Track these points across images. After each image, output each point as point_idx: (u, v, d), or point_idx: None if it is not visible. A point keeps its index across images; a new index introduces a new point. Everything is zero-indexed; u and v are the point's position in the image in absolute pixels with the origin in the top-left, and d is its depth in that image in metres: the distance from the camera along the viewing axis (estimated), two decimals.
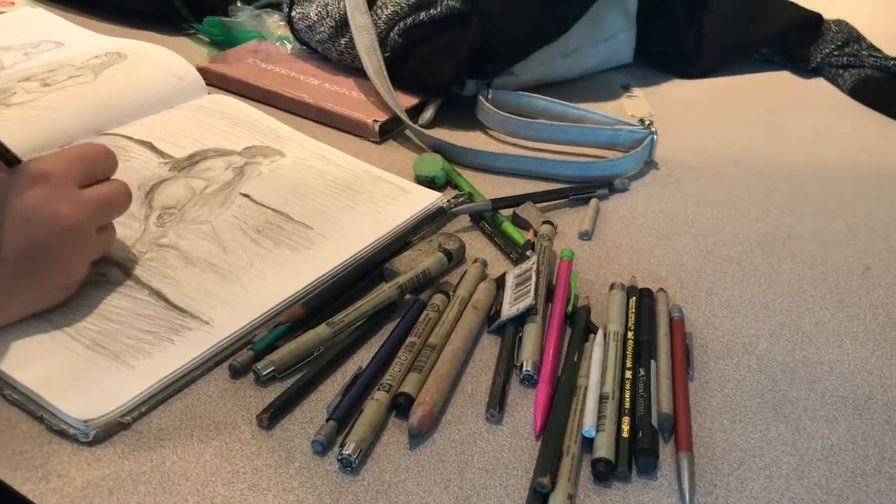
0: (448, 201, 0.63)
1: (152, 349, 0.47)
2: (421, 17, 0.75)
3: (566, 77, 0.86)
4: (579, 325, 0.52)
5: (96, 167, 0.50)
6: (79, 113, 0.65)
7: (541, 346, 0.50)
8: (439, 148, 0.71)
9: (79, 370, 0.45)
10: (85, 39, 0.78)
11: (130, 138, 0.65)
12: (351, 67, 0.80)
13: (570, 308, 0.53)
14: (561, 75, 0.85)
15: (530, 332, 0.50)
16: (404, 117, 0.73)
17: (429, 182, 0.66)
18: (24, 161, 0.47)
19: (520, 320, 0.51)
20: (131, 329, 0.48)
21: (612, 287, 0.55)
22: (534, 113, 0.77)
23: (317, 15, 0.79)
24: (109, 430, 0.43)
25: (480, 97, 0.76)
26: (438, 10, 0.75)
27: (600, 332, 0.51)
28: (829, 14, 0.98)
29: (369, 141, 0.74)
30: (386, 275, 0.56)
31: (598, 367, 0.48)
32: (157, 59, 0.74)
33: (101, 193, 0.49)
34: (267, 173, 0.64)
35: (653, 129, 0.72)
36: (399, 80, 0.76)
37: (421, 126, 0.74)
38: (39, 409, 0.43)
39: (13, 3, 0.87)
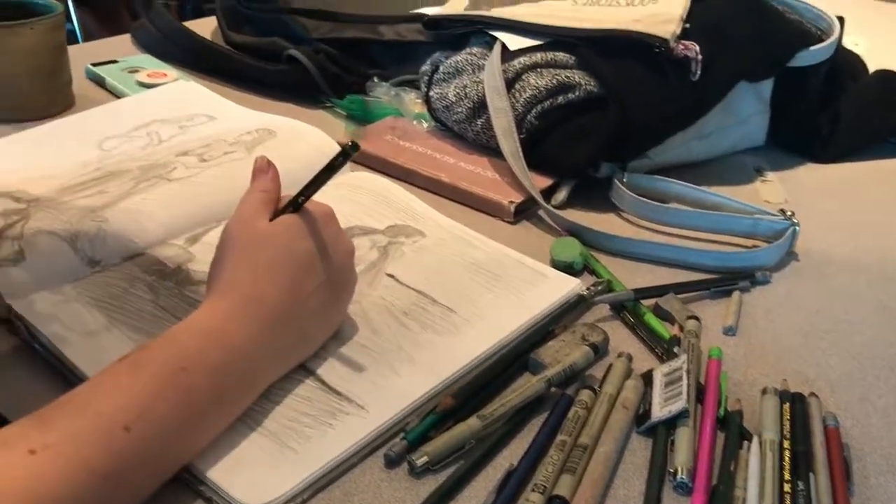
0: (588, 289, 0.63)
1: (312, 433, 0.48)
2: (559, 101, 0.77)
3: (699, 159, 0.85)
4: (733, 430, 0.51)
5: None
6: (234, 189, 0.67)
7: (694, 452, 0.49)
8: (575, 231, 0.71)
9: (244, 452, 0.46)
10: (235, 114, 0.82)
11: None
12: (486, 147, 0.81)
13: (721, 411, 0.52)
14: (694, 158, 0.85)
15: (683, 437, 0.49)
16: (540, 199, 0.74)
17: (566, 267, 0.66)
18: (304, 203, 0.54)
19: (670, 422, 0.51)
20: (291, 410, 0.50)
21: (764, 391, 0.54)
22: (669, 197, 0.77)
23: (455, 96, 0.81)
24: None
25: (616, 180, 0.76)
26: (577, 94, 0.76)
27: (755, 441, 0.50)
28: None
29: (504, 221, 0.75)
30: (531, 365, 0.56)
31: (756, 478, 0.47)
32: (305, 137, 0.77)
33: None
34: (409, 254, 0.66)
35: (794, 221, 0.71)
36: (534, 160, 0.77)
37: (554, 207, 0.75)
38: (208, 490, 0.45)
39: (166, 75, 0.93)
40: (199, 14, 2.70)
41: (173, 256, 0.62)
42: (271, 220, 0.53)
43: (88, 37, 2.26)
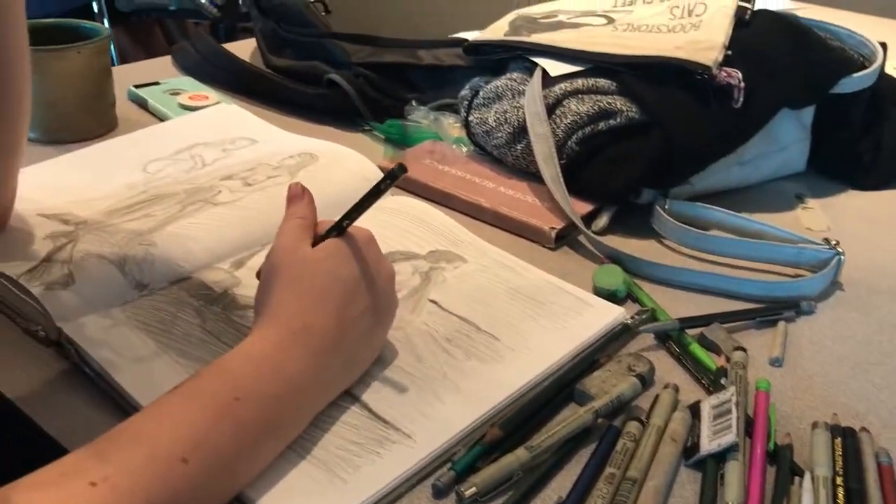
0: (632, 318, 0.63)
1: (361, 462, 0.48)
2: (600, 127, 0.77)
3: (739, 186, 0.85)
4: (784, 465, 0.50)
5: None
6: (278, 213, 0.68)
7: (745, 486, 0.48)
8: (617, 258, 0.71)
9: (294, 480, 0.46)
10: (276, 138, 0.83)
11: None
12: (525, 171, 0.81)
13: (771, 444, 0.52)
14: (735, 184, 0.84)
15: (733, 471, 0.49)
16: (581, 225, 0.73)
17: (610, 295, 0.66)
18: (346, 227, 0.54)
19: (720, 455, 0.50)
20: (339, 438, 0.50)
21: (814, 426, 0.53)
22: (710, 224, 0.76)
23: (495, 121, 0.82)
24: None
25: (657, 207, 0.76)
26: (618, 120, 0.76)
27: (807, 476, 0.49)
28: None
29: (544, 247, 0.74)
30: (577, 396, 0.56)
31: None
32: (347, 161, 0.78)
33: None
34: (451, 279, 0.66)
35: (840, 250, 0.70)
36: (574, 186, 0.77)
37: (595, 233, 0.75)
38: None
39: (207, 98, 0.94)
40: (231, 35, 2.74)
41: (219, 281, 0.62)
42: (313, 245, 0.53)
43: (122, 55, 2.29)
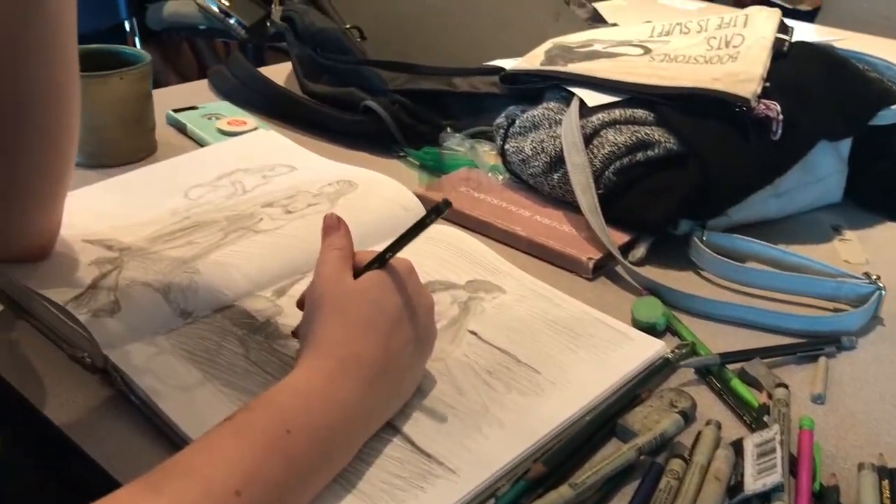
0: (672, 351, 0.63)
1: (405, 496, 0.48)
2: (637, 157, 0.77)
3: (776, 217, 0.85)
4: None
5: None
6: (319, 241, 0.69)
7: None
8: (656, 290, 0.71)
9: None
10: (315, 165, 0.84)
11: None
12: (561, 200, 0.82)
13: (817, 485, 0.51)
14: (771, 215, 0.84)
15: None
16: (619, 256, 0.73)
17: (649, 328, 0.66)
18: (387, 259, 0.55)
19: (764, 495, 0.50)
20: (382, 472, 0.50)
21: (861, 467, 0.53)
22: (748, 256, 0.76)
23: (531, 150, 0.82)
24: None
25: (695, 238, 0.76)
26: (656, 151, 0.76)
27: None
28: None
29: (581, 277, 0.75)
30: (619, 431, 0.56)
31: None
32: (385, 189, 0.78)
33: None
34: (490, 310, 0.66)
35: (880, 284, 0.70)
36: (611, 215, 0.77)
37: (632, 263, 0.75)
38: None
39: (245, 123, 0.95)
40: (260, 54, 2.77)
41: (262, 309, 0.63)
42: (354, 276, 0.54)
43: (153, 72, 2.32)
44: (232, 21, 2.39)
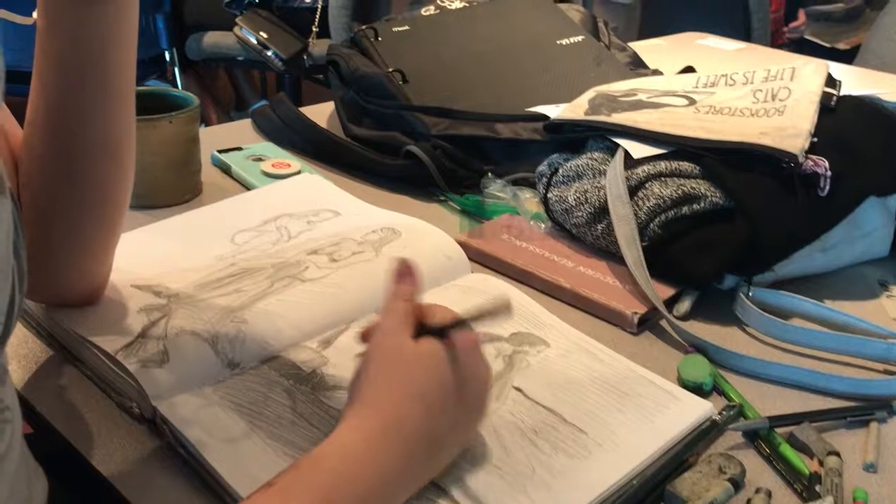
0: (720, 413, 0.62)
1: None
2: (683, 211, 0.76)
3: (821, 272, 0.83)
4: None
5: None
6: (364, 291, 0.70)
7: None
8: (702, 348, 0.70)
9: None
10: (359, 210, 0.84)
11: None
12: (605, 251, 0.81)
13: None
14: (816, 270, 0.83)
15: None
16: (664, 311, 0.73)
17: (696, 388, 0.65)
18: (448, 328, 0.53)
19: None
20: None
21: None
22: (794, 314, 0.75)
23: (575, 200, 0.82)
24: None
25: (741, 294, 0.75)
26: (702, 205, 0.76)
27: None
28: None
29: (625, 331, 0.74)
30: (668, 498, 0.55)
31: None
32: (429, 238, 0.79)
33: None
34: (535, 365, 0.66)
35: None
36: (655, 268, 0.76)
37: (677, 317, 0.74)
38: None
39: (289, 165, 0.96)
40: (297, 86, 2.80)
41: (308, 360, 0.63)
42: (416, 334, 0.53)
43: None
44: (269, 53, 2.43)
